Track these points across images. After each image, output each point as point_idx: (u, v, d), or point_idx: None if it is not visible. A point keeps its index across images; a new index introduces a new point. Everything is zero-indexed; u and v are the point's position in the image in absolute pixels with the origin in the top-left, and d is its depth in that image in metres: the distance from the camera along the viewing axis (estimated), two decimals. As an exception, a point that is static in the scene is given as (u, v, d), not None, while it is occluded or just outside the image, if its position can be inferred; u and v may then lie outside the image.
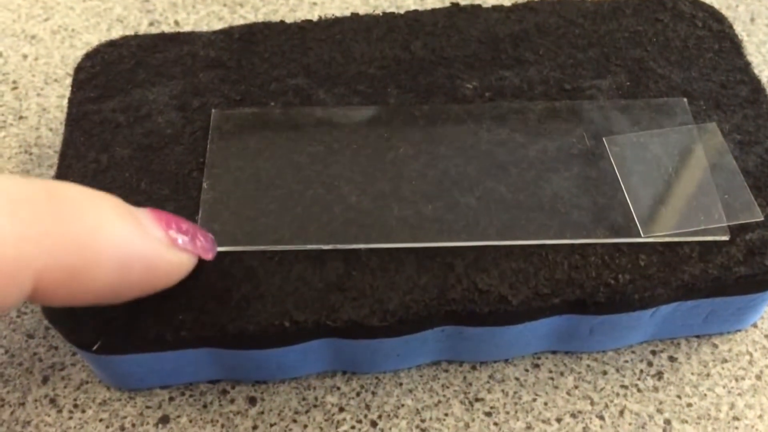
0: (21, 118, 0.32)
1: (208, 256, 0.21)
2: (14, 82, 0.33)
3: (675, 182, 0.24)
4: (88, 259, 0.17)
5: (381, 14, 0.29)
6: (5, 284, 0.15)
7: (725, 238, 0.23)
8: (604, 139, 0.25)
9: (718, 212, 0.23)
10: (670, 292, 0.22)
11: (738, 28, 0.33)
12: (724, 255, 0.23)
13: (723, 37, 0.28)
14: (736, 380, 0.25)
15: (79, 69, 0.27)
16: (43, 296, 0.17)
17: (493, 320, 0.22)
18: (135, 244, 0.18)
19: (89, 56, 0.28)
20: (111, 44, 0.28)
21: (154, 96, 0.26)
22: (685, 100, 0.26)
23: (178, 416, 0.24)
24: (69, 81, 0.33)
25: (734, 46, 0.28)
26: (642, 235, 0.23)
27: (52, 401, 0.24)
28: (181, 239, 0.20)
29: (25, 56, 0.34)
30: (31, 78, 0.33)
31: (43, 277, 0.16)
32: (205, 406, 0.24)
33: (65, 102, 0.32)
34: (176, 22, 0.36)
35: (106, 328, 0.21)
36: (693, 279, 0.22)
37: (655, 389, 0.25)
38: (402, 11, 0.29)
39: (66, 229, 0.16)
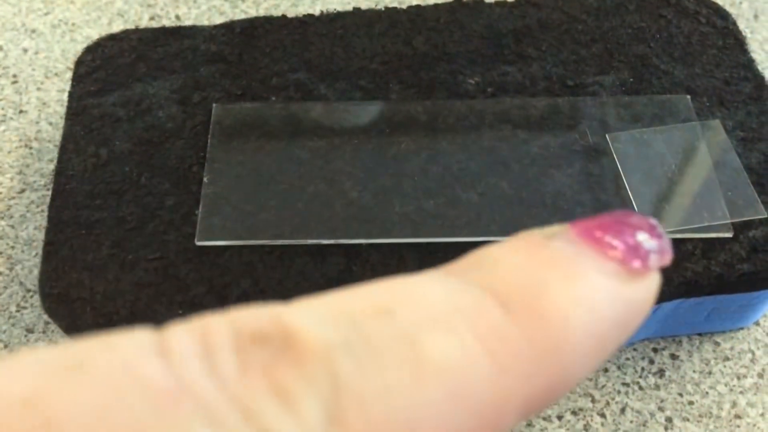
0: (21, 111, 0.32)
1: (667, 260, 0.13)
2: (14, 75, 0.33)
3: (678, 179, 0.24)
4: (566, 365, 0.11)
5: (383, 9, 0.29)
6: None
7: (728, 235, 0.23)
8: (606, 135, 0.25)
9: (722, 209, 0.23)
10: (673, 289, 0.22)
11: (741, 25, 0.33)
12: (727, 252, 0.22)
13: (727, 34, 0.28)
14: (738, 378, 0.25)
15: (79, 63, 0.27)
16: (526, 414, 0.11)
17: (495, 317, 0.22)
18: (603, 311, 0.11)
19: (90, 50, 0.27)
20: (111, 38, 0.28)
21: (154, 90, 0.26)
22: (689, 96, 0.26)
23: (178, 412, 0.24)
24: (69, 75, 0.33)
25: (738, 42, 0.28)
26: (645, 231, 0.23)
27: (51, 396, 0.24)
28: (637, 256, 0.12)
29: (25, 50, 0.34)
30: (32, 72, 0.33)
31: (529, 404, 0.11)
32: (204, 402, 0.24)
33: (65, 96, 0.32)
34: (177, 17, 0.35)
35: (105, 322, 0.21)
36: (696, 276, 0.22)
37: (657, 387, 0.25)
38: (404, 6, 0.29)
39: (535, 341, 0.11)
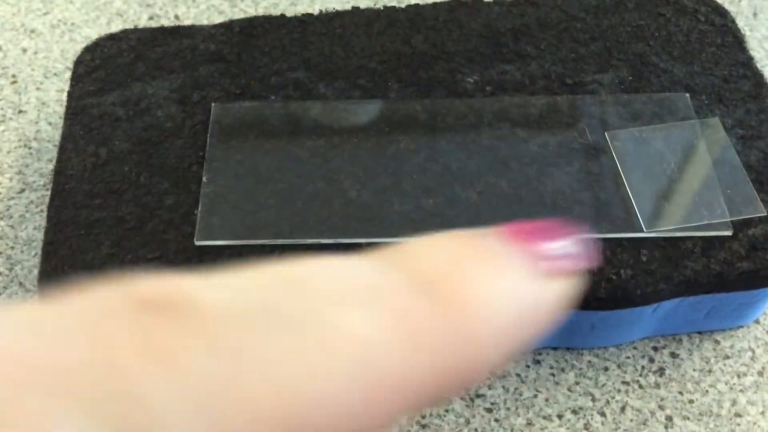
0: (20, 112, 0.32)
1: (590, 264, 0.14)
2: (13, 76, 0.33)
3: (677, 177, 0.24)
4: (481, 352, 0.11)
5: (382, 8, 0.29)
6: (388, 408, 0.10)
7: (728, 233, 0.23)
8: (606, 133, 0.25)
9: (721, 207, 0.23)
10: (672, 288, 0.22)
11: (740, 23, 0.33)
12: (727, 250, 0.22)
13: (725, 32, 0.28)
14: (738, 377, 0.25)
15: (78, 62, 0.27)
16: (427, 402, 0.11)
17: (494, 315, 0.22)
18: (523, 304, 0.12)
19: (89, 50, 0.27)
20: (111, 38, 0.28)
21: (153, 90, 0.26)
22: (688, 95, 0.26)
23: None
24: (68, 75, 0.33)
25: (737, 40, 0.28)
26: (644, 229, 0.23)
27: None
28: (555, 260, 0.13)
29: (24, 50, 0.34)
30: (31, 72, 0.33)
31: (430, 387, 0.11)
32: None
33: (65, 96, 0.32)
34: (176, 16, 0.35)
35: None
36: (695, 274, 0.22)
37: (657, 385, 0.25)
38: (403, 5, 0.29)
39: (449, 326, 0.11)
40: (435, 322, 0.11)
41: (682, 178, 0.24)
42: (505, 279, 0.12)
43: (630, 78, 0.27)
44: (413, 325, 0.10)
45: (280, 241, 0.22)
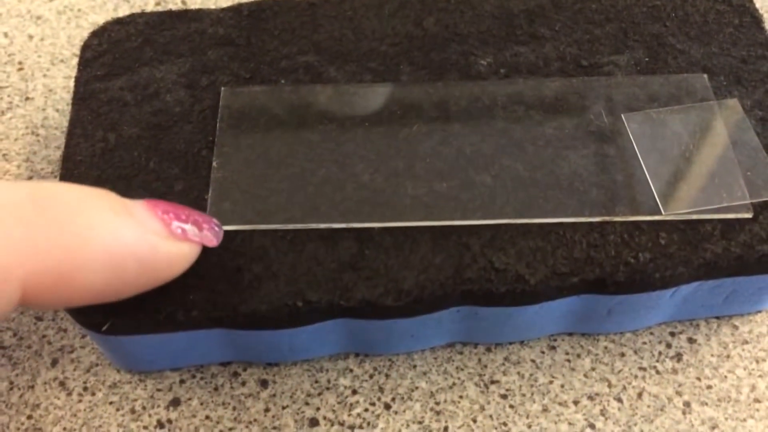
0: (27, 99, 0.31)
1: (213, 244, 0.20)
2: (20, 63, 0.33)
3: (696, 159, 0.23)
4: (77, 262, 0.16)
5: (392, -10, 0.28)
6: None
7: (748, 215, 0.22)
8: (622, 115, 0.24)
9: (741, 189, 0.23)
10: (692, 271, 0.22)
11: (758, 3, 0.33)
12: (747, 233, 0.22)
13: (743, 12, 0.28)
14: (757, 362, 0.25)
15: (85, 47, 0.27)
16: (33, 301, 0.16)
17: (510, 300, 0.22)
18: (128, 241, 0.17)
19: (96, 34, 0.27)
20: (118, 22, 0.27)
21: (161, 74, 0.26)
22: (705, 76, 0.26)
23: (189, 399, 0.24)
24: (75, 61, 0.32)
25: (755, 20, 0.27)
26: (663, 212, 0.22)
27: (62, 384, 0.24)
28: (180, 229, 0.19)
29: (30, 37, 0.34)
30: (37, 59, 0.33)
31: (30, 283, 0.15)
32: (216, 389, 0.24)
33: (72, 83, 0.32)
34: (183, 1, 0.35)
35: (115, 308, 0.21)
36: (715, 257, 0.22)
37: (674, 371, 0.25)
38: (414, -13, 0.29)
39: (52, 232, 0.15)
40: (41, 230, 0.15)
41: (701, 160, 0.23)
42: (127, 226, 0.17)
43: (646, 59, 0.26)
44: (15, 228, 0.15)
45: (291, 226, 0.22)
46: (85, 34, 0.32)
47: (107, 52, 0.26)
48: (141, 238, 0.17)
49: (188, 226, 0.19)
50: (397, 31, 0.27)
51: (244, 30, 0.27)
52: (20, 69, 0.32)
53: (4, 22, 0.34)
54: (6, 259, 0.15)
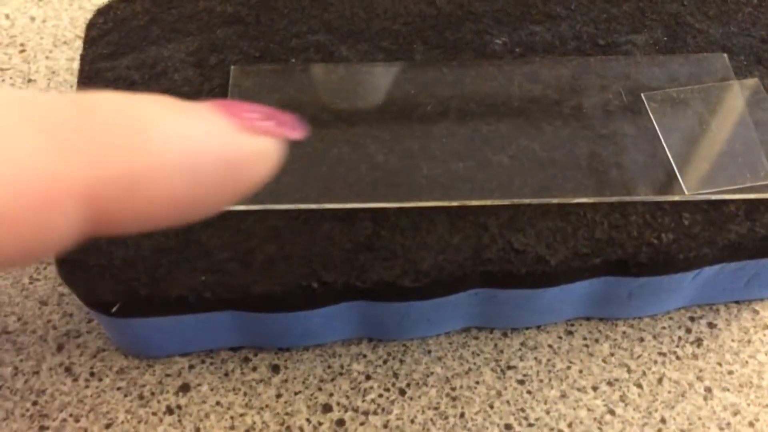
0: (30, 81, 0.31)
1: (296, 135, 0.17)
2: (22, 44, 0.32)
3: (718, 139, 0.23)
4: (146, 163, 0.13)
5: (404, -31, 0.28)
6: (45, 214, 0.12)
7: (773, 195, 0.22)
8: (642, 95, 0.24)
9: (764, 169, 0.22)
10: (716, 252, 0.21)
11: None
12: (772, 213, 0.21)
13: (762, -8, 0.27)
14: (779, 347, 0.24)
15: (90, 25, 0.26)
16: (107, 221, 0.13)
17: (531, 281, 0.21)
18: (198, 135, 0.14)
19: (101, 12, 0.26)
20: (124, 0, 0.27)
21: (169, 53, 0.25)
22: (725, 55, 0.25)
23: (199, 385, 0.23)
24: (78, 43, 0.32)
25: (774, 0, 0.27)
26: (685, 192, 0.22)
27: (68, 369, 0.24)
28: (255, 121, 0.15)
29: (32, 18, 0.33)
30: (40, 41, 0.32)
31: (97, 196, 0.13)
32: (226, 374, 0.23)
33: (75, 64, 0.31)
34: (188, -16, 0.34)
35: (125, 289, 0.20)
36: (740, 238, 0.21)
37: (695, 356, 0.24)
38: (426, -34, 0.28)
39: (108, 133, 0.13)
40: (86, 128, 0.13)
41: (723, 140, 0.23)
42: (192, 121, 0.14)
43: (665, 39, 0.26)
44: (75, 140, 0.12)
45: (304, 206, 0.21)
46: (89, 15, 0.31)
47: (113, 31, 0.26)
48: (212, 134, 0.14)
49: (263, 121, 0.16)
50: (410, 10, 0.26)
51: (253, 8, 0.26)
52: (22, 51, 0.32)
53: (5, 3, 0.33)
54: (60, 169, 0.12)
